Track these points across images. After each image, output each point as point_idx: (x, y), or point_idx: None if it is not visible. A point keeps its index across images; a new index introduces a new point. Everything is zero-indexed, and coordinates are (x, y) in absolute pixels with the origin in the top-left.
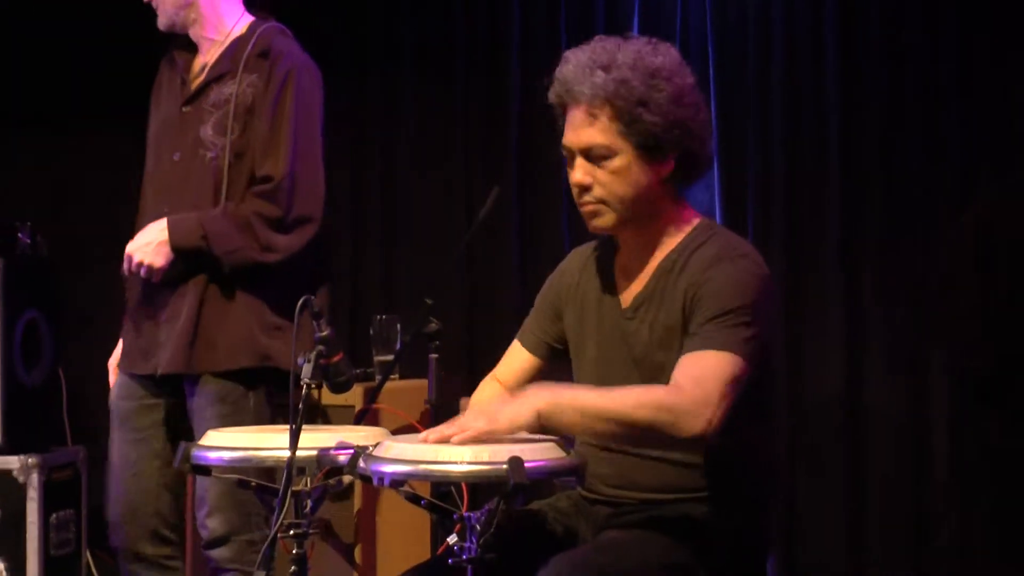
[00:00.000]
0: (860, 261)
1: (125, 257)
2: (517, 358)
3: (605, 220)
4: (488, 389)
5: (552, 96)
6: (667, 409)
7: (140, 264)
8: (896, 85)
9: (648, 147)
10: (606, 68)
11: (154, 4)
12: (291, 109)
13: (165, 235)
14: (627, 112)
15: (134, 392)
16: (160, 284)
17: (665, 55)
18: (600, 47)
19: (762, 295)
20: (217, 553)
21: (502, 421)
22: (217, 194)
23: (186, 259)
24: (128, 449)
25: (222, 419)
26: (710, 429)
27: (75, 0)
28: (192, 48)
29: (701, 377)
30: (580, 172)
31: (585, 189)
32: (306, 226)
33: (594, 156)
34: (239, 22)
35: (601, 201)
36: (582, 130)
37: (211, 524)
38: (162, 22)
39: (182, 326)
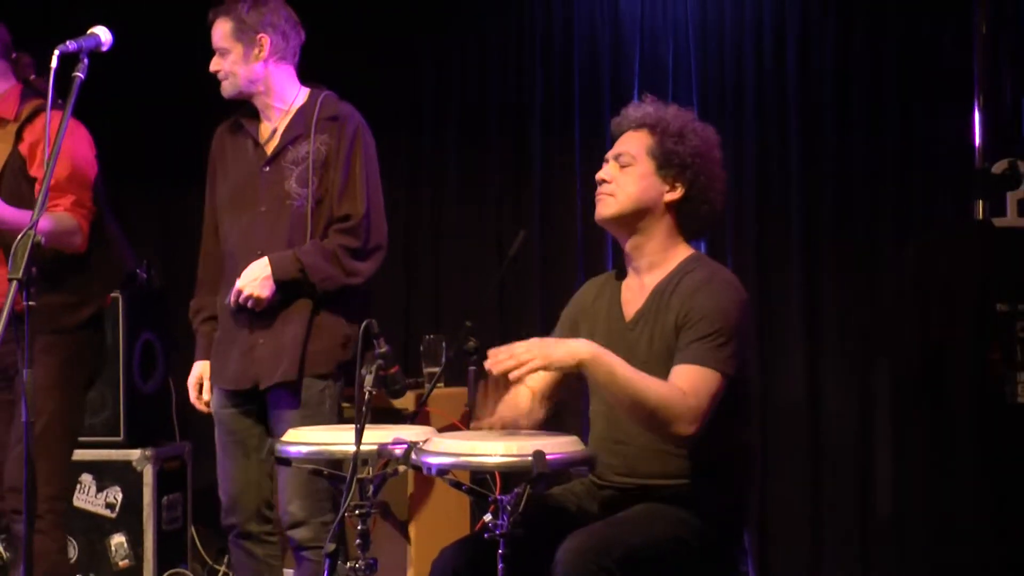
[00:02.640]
0: (819, 284)
1: (233, 292)
2: (541, 373)
3: (608, 208)
4: (521, 393)
5: (612, 127)
6: (669, 409)
7: (249, 297)
8: (847, 141)
9: (664, 167)
10: (656, 108)
11: (221, 75)
12: (361, 160)
13: (268, 270)
14: (659, 136)
15: (231, 402)
16: (259, 314)
17: (704, 127)
18: (657, 101)
19: (741, 317)
20: (297, 534)
21: (557, 354)
22: (303, 234)
23: (284, 289)
24: (232, 449)
25: (309, 416)
26: (694, 435)
27: (178, 82)
28: (254, 116)
29: (695, 389)
30: (604, 170)
31: (603, 182)
32: (378, 253)
33: (622, 160)
34: (299, 93)
35: (610, 193)
36: (621, 143)
37: (291, 509)
38: (229, 91)
39: (293, 346)
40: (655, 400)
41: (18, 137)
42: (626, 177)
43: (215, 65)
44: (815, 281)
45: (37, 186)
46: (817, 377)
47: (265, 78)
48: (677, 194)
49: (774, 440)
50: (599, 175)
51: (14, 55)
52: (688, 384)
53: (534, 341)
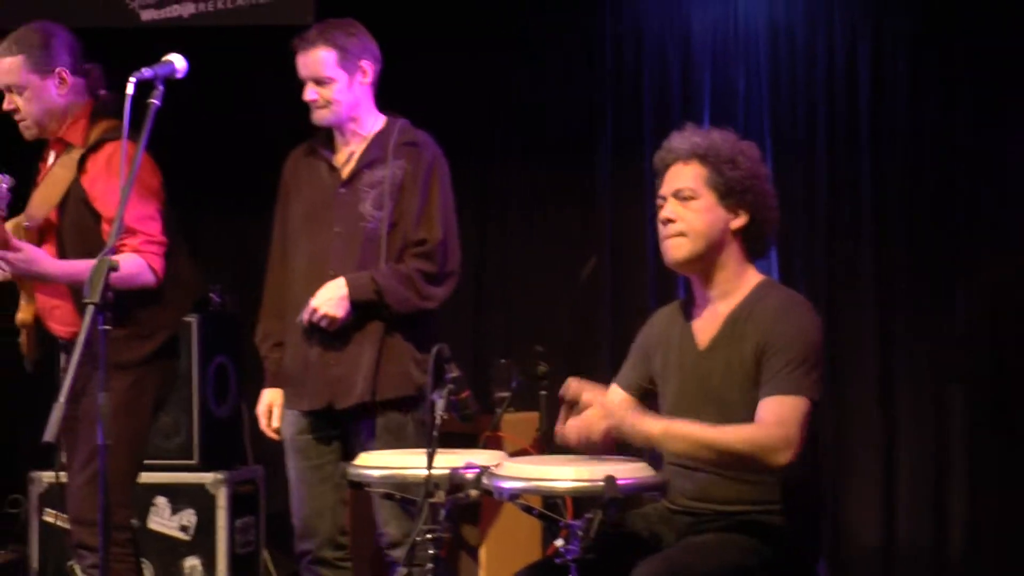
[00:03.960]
0: (891, 309)
1: (308, 310)
2: (615, 397)
3: (681, 250)
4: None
5: (656, 161)
6: (758, 445)
7: (324, 316)
8: (917, 168)
9: (726, 197)
10: (702, 136)
11: (320, 103)
12: (439, 187)
13: (345, 290)
14: (714, 165)
15: (307, 427)
16: (331, 333)
17: (749, 147)
18: (697, 128)
19: (819, 341)
20: (396, 553)
21: (625, 430)
22: (377, 256)
23: (359, 310)
24: (308, 475)
25: (388, 441)
26: (791, 461)
27: (254, 108)
28: (327, 142)
29: (783, 419)
30: (668, 209)
31: (669, 222)
32: (452, 279)
33: (682, 196)
34: (377, 120)
35: (680, 233)
36: (676, 177)
37: (388, 531)
38: (329, 120)
39: (367, 367)
40: (739, 445)
41: (81, 166)
42: (691, 213)
43: (311, 95)
44: (887, 305)
45: (104, 225)
46: (890, 403)
47: (361, 104)
48: (742, 220)
49: (847, 467)
50: (663, 215)
51: (86, 66)
52: (775, 415)
53: (618, 408)
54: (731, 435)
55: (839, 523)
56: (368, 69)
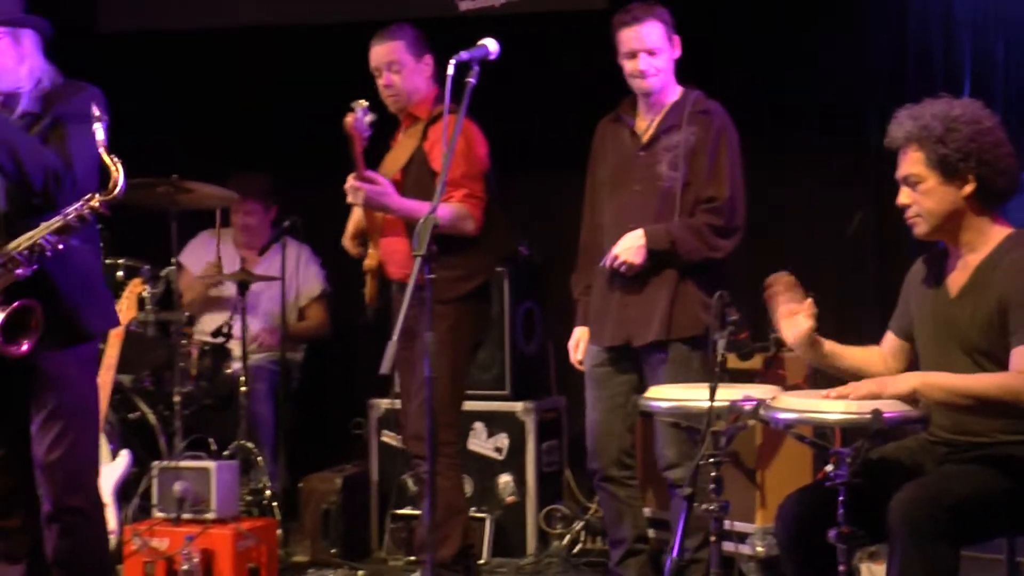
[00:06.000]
0: None
1: (609, 257)
2: (889, 342)
3: (920, 229)
4: (872, 358)
5: (885, 144)
6: (1015, 392)
7: (624, 263)
8: None
9: (947, 173)
10: (914, 119)
11: (651, 72)
12: (727, 151)
13: (643, 240)
14: (930, 147)
15: (606, 360)
16: (630, 278)
17: (963, 107)
18: (913, 107)
19: None
20: (672, 474)
21: (888, 390)
22: (671, 212)
23: (654, 258)
24: (601, 404)
25: (677, 375)
26: None
27: (554, 89)
28: (631, 110)
29: None
30: (902, 195)
31: (907, 207)
32: (737, 233)
33: (910, 182)
34: (675, 91)
35: (917, 215)
36: (901, 165)
37: (666, 453)
38: (656, 86)
39: (662, 309)
40: (996, 392)
41: (424, 135)
42: (922, 196)
43: (646, 63)
44: None
45: (436, 180)
46: None
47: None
48: (972, 186)
49: None
50: (899, 201)
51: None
52: None
53: (875, 381)
54: (987, 382)
55: None
56: (678, 44)
